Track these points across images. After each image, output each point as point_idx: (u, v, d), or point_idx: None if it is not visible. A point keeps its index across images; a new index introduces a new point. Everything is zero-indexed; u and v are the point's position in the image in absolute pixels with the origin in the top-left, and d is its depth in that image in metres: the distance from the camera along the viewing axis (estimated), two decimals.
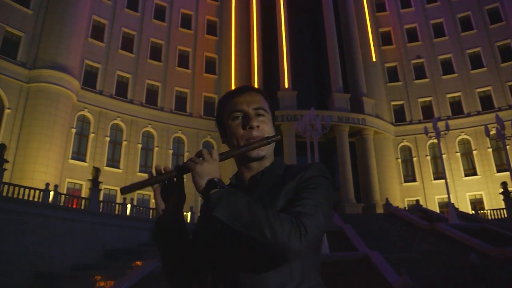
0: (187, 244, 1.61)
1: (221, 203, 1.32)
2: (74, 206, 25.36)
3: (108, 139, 34.92)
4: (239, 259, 1.45)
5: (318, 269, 1.54)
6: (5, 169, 22.85)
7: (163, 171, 1.52)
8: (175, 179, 1.54)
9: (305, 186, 1.49)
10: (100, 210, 25.94)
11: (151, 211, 29.19)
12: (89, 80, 35.26)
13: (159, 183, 1.53)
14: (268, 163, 1.66)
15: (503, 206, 32.25)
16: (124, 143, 35.90)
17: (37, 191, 23.05)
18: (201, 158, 1.44)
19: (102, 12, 37.76)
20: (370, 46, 44.06)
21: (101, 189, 27.90)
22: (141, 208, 29.11)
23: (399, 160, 41.82)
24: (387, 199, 33.33)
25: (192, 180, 1.41)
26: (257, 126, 1.61)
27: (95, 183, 26.97)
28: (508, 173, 23.90)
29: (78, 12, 33.79)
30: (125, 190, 1.49)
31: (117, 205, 27.70)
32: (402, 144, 42.14)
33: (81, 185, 31.74)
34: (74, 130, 32.96)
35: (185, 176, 1.54)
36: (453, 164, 39.49)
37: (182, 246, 1.60)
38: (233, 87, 39.56)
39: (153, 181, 1.50)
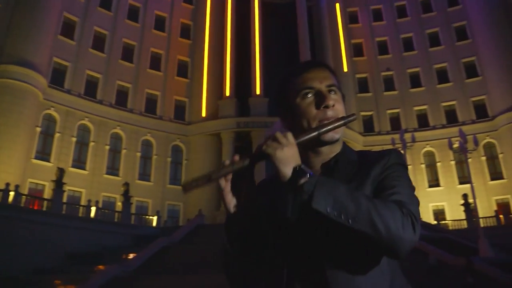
0: (261, 241, 1.41)
1: (319, 193, 1.16)
2: (36, 208, 24.68)
3: (74, 139, 34.11)
4: (330, 257, 1.28)
5: (400, 269, 1.43)
6: None
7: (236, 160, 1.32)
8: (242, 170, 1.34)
9: (390, 173, 1.35)
10: (63, 212, 25.33)
11: (116, 214, 28.69)
12: (57, 78, 34.40)
13: (229, 174, 1.33)
14: (338, 148, 1.48)
15: (464, 217, 33.26)
16: (92, 144, 35.15)
17: None
18: (277, 142, 1.24)
19: (73, 10, 36.99)
20: (342, 57, 44.84)
21: (65, 191, 27.21)
22: (106, 210, 28.59)
23: None
24: None
25: (275, 169, 1.22)
26: (333, 105, 1.42)
27: (59, 184, 26.31)
28: (469, 185, 24.67)
29: (48, 8, 33.01)
30: (189, 186, 1.28)
31: (81, 207, 27.11)
32: None
33: (44, 186, 30.84)
34: (39, 129, 32.04)
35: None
36: (418, 175, 40.46)
37: (253, 240, 1.41)
38: (204, 92, 39.56)
39: (223, 172, 1.31)
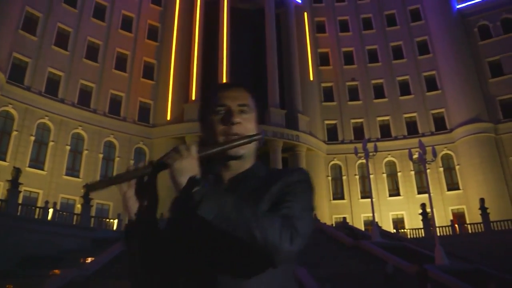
0: (159, 248, 1.48)
1: (207, 202, 1.24)
2: None
3: (33, 138, 32.93)
4: (219, 263, 1.36)
5: (293, 279, 1.49)
6: None
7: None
8: (145, 177, 1.43)
9: (290, 190, 1.43)
10: (18, 214, 24.37)
11: (75, 216, 27.84)
12: (16, 74, 33.14)
13: (131, 179, 1.41)
14: (249, 165, 1.58)
15: (421, 226, 34.22)
16: (51, 143, 34.03)
17: None
18: (179, 154, 1.34)
19: (36, 4, 35.83)
20: (308, 65, 45.47)
21: (21, 191, 26.19)
22: (64, 213, 27.70)
23: (329, 178, 43.18)
24: (315, 215, 34.16)
25: (171, 178, 1.31)
26: (239, 123, 1.53)
27: (14, 184, 25.29)
28: (427, 195, 25.44)
29: (9, 1, 31.90)
30: (91, 187, 1.34)
31: (37, 209, 26.17)
32: (333, 162, 43.58)
33: None
34: None
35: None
36: (379, 184, 41.40)
37: (154, 249, 1.47)
38: (170, 95, 39.17)
39: (124, 177, 1.37)
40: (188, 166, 1.32)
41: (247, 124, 1.56)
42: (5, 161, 30.70)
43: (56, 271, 18.34)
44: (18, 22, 33.75)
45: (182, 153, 1.34)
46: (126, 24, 42.19)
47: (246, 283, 1.34)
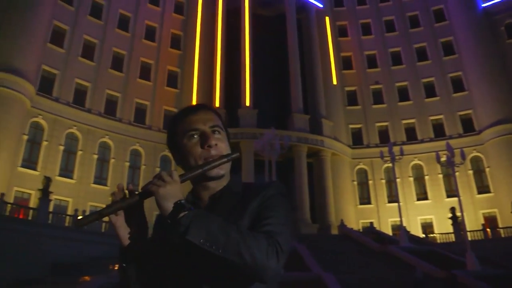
0: (152, 269, 1.54)
1: (194, 226, 1.28)
2: (21, 217, 24.27)
3: (62, 148, 33.74)
4: (205, 284, 1.40)
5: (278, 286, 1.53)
6: None
7: (127, 196, 1.45)
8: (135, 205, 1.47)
9: (268, 204, 1.48)
10: (49, 222, 24.94)
11: (104, 224, 28.29)
12: (45, 86, 34.10)
13: (118, 211, 1.45)
14: (225, 182, 1.63)
15: (451, 231, 33.45)
16: (79, 153, 34.79)
17: None
18: (161, 180, 1.38)
19: (63, 18, 36.85)
20: (331, 70, 45.24)
21: (51, 200, 26.81)
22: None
23: (355, 183, 42.71)
24: (342, 220, 33.86)
25: (157, 204, 1.35)
26: (215, 144, 1.58)
27: (45, 193, 25.92)
28: (456, 198, 24.86)
29: (38, 15, 32.85)
30: (80, 222, 1.41)
31: (67, 217, 26.72)
32: (358, 166, 43.12)
33: (30, 194, 30.34)
34: (26, 137, 31.64)
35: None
36: (406, 188, 40.71)
37: (145, 272, 1.53)
38: (194, 102, 39.47)
39: (111, 209, 1.41)
40: (173, 192, 1.36)
41: (221, 144, 1.61)
42: (36, 170, 31.53)
43: (86, 277, 18.66)
44: (46, 36, 34.75)
45: (165, 179, 1.38)
46: (150, 33, 42.91)
47: None
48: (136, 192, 1.45)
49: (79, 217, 1.40)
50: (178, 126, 1.64)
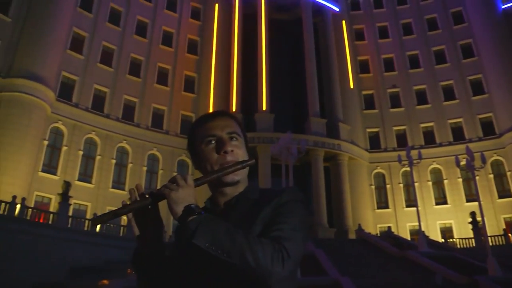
0: (166, 272, 1.55)
1: (201, 230, 1.30)
2: (42, 221, 24.65)
3: (81, 153, 34.25)
4: (217, 287, 1.41)
5: None
6: None
7: (138, 198, 1.48)
8: (149, 206, 1.50)
9: (281, 211, 1.48)
10: (69, 226, 25.29)
11: (121, 228, 28.59)
12: (65, 92, 34.72)
13: (132, 211, 1.49)
14: (242, 188, 1.64)
15: (472, 236, 32.86)
16: (98, 157, 35.26)
17: (3, 204, 22.34)
18: (175, 184, 1.41)
19: (82, 25, 37.51)
20: (348, 73, 45.02)
21: (70, 204, 27.22)
22: (111, 225, 28.49)
23: (373, 187, 42.34)
24: (359, 224, 33.57)
25: (168, 207, 1.38)
26: (231, 151, 1.60)
27: (65, 197, 26.33)
28: (476, 203, 24.42)
29: (58, 23, 33.48)
30: (96, 221, 1.45)
31: (86, 221, 27.05)
32: (376, 171, 42.75)
33: (50, 199, 30.85)
34: (46, 142, 32.22)
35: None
36: (425, 192, 40.18)
37: (161, 274, 1.55)
38: (211, 107, 39.74)
39: (126, 210, 1.45)
40: (184, 196, 1.39)
41: (238, 150, 1.63)
42: (56, 175, 32.05)
43: (105, 281, 18.85)
44: (66, 42, 35.40)
45: (179, 183, 1.41)
46: (167, 39, 43.34)
47: None
48: (147, 195, 1.47)
49: (95, 217, 1.45)
50: (197, 132, 1.68)
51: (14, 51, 31.43)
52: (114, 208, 1.48)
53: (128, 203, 1.47)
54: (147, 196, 1.47)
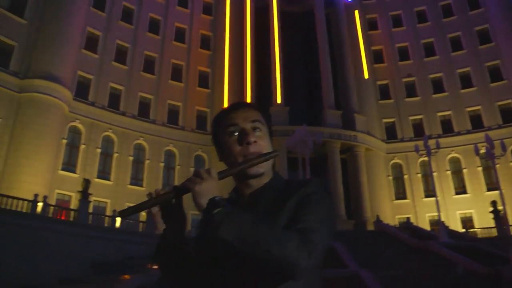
0: (189, 266, 1.57)
1: (226, 223, 1.30)
2: (63, 218, 25.10)
3: (99, 150, 34.68)
4: (242, 279, 1.42)
5: (321, 285, 1.53)
6: None
7: (161, 193, 1.48)
8: (173, 200, 1.51)
9: (306, 202, 1.47)
10: (89, 222, 25.68)
11: (141, 224, 28.93)
12: (81, 91, 35.12)
13: (157, 205, 1.50)
14: (267, 179, 1.63)
15: (493, 225, 32.38)
16: (115, 155, 35.67)
17: (26, 202, 22.80)
18: (199, 178, 1.41)
19: (96, 24, 37.84)
20: (362, 64, 44.58)
21: (90, 201, 27.61)
22: (131, 221, 28.84)
23: (390, 178, 41.99)
24: (378, 216, 33.39)
25: (193, 200, 1.38)
26: (254, 142, 1.58)
27: (84, 194, 26.71)
28: (497, 192, 24.06)
29: (72, 23, 33.82)
30: (123, 214, 1.49)
31: (106, 218, 27.44)
32: (393, 161, 42.38)
33: (71, 196, 31.36)
34: (65, 141, 32.70)
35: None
36: (444, 182, 39.70)
37: (184, 267, 1.56)
38: (225, 102, 39.81)
39: (151, 203, 1.47)
40: (209, 189, 1.38)
41: (261, 142, 1.61)
42: (75, 173, 32.55)
43: (126, 276, 19.13)
44: (80, 42, 35.76)
45: (202, 176, 1.40)
46: (179, 35, 43.46)
47: None
48: (171, 189, 1.48)
49: (122, 210, 1.50)
50: (220, 124, 1.67)
51: (31, 52, 31.87)
52: (133, 204, 1.50)
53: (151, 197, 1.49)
54: (171, 190, 1.48)
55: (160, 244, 1.58)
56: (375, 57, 47.16)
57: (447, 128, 42.13)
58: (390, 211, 39.73)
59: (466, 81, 43.19)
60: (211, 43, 44.90)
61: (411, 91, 44.91)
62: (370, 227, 33.93)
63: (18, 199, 22.60)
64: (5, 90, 29.74)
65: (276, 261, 1.26)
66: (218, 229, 1.29)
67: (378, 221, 31.37)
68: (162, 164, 37.79)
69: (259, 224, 1.31)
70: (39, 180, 28.35)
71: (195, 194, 1.37)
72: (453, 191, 39.72)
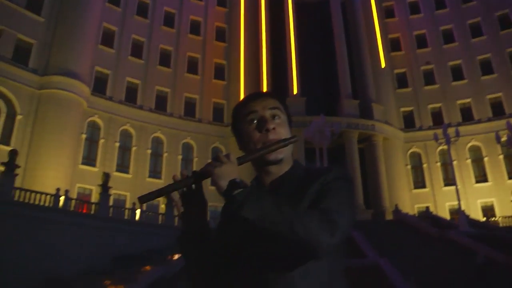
0: (212, 251, 1.58)
1: (248, 202, 1.30)
2: (84, 211, 25.54)
3: (117, 144, 35.13)
4: (266, 263, 1.43)
5: (343, 273, 1.54)
6: (17, 174, 23.08)
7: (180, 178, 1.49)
8: (193, 186, 1.53)
9: (327, 188, 1.48)
10: (110, 215, 26.07)
11: (160, 216, 29.28)
12: (99, 86, 35.56)
13: (177, 190, 1.51)
14: (287, 167, 1.64)
15: None
16: (134, 148, 36.09)
17: (48, 196, 23.26)
18: (218, 162, 1.42)
19: (112, 19, 38.15)
20: (379, 52, 44.02)
21: (110, 194, 28.02)
22: (150, 213, 29.21)
23: (409, 167, 41.57)
24: (396, 205, 33.14)
25: (213, 183, 1.38)
26: (273, 128, 1.59)
27: (104, 188, 27.10)
28: None
29: (88, 19, 34.16)
30: (143, 199, 1.47)
31: (126, 210, 27.83)
32: (411, 150, 41.92)
33: (91, 190, 31.90)
34: (84, 136, 33.22)
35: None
36: (464, 171, 39.14)
37: (207, 253, 1.58)
38: (242, 93, 39.83)
39: (170, 188, 1.47)
40: (228, 171, 1.39)
41: (280, 129, 1.62)
42: (95, 167, 33.08)
43: (147, 268, 19.44)
44: (97, 38, 36.14)
45: (222, 160, 1.42)
46: (194, 28, 43.54)
47: (293, 278, 1.40)
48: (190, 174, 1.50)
49: (142, 196, 1.49)
50: (239, 112, 1.68)
51: (49, 49, 32.34)
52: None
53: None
54: (190, 175, 1.49)
55: (183, 231, 1.59)
56: (392, 45, 46.51)
57: (467, 116, 41.43)
58: (408, 201, 39.40)
59: (486, 67, 42.30)
60: (226, 35, 44.88)
61: (429, 79, 44.23)
62: (389, 216, 33.72)
63: (41, 193, 23.07)
64: (25, 87, 30.29)
65: (298, 240, 1.27)
66: (241, 209, 1.30)
67: (397, 211, 31.15)
68: (180, 157, 38.10)
69: (281, 204, 1.31)
70: (60, 175, 28.91)
71: (215, 176, 1.39)
72: (473, 180, 39.15)
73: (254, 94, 1.72)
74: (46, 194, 23.28)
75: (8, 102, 29.53)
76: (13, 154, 23.23)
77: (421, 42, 45.75)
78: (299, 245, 1.29)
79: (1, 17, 30.16)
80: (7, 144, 28.21)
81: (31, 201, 22.24)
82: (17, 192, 22.16)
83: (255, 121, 1.62)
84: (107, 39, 37.57)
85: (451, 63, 43.84)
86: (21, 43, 31.35)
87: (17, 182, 23.84)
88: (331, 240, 1.29)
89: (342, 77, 40.35)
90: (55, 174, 28.48)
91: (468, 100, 41.94)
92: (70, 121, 30.92)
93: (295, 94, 39.03)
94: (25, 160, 28.41)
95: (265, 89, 39.56)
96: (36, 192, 22.92)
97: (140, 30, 39.98)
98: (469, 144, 39.87)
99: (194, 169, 29.09)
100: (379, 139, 39.10)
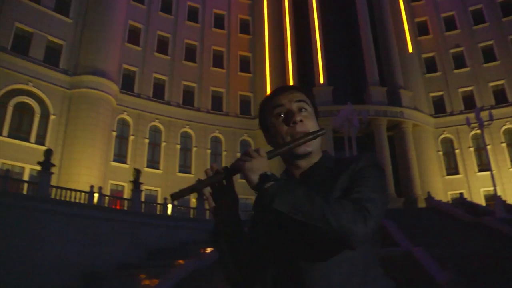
0: (245, 244, 1.61)
1: (280, 195, 1.31)
2: (117, 207, 26.13)
3: (147, 140, 35.72)
4: (300, 252, 1.44)
5: (378, 261, 1.55)
6: (53, 173, 23.78)
7: (211, 173, 1.51)
8: (224, 181, 1.55)
9: (358, 176, 1.48)
10: (142, 211, 26.58)
11: (191, 210, 29.66)
12: (127, 83, 36.17)
13: (208, 186, 1.53)
14: (316, 159, 1.65)
15: None
16: (163, 144, 36.62)
17: (83, 193, 23.90)
18: (249, 156, 1.44)
19: (137, 17, 38.64)
20: (405, 37, 43.04)
21: (142, 190, 28.55)
22: (181, 207, 29.62)
23: (440, 153, 40.67)
24: (429, 192, 32.53)
25: (244, 177, 1.40)
26: (301, 121, 1.60)
27: (136, 184, 27.61)
28: None
29: (115, 18, 34.71)
30: (175, 196, 1.49)
31: (158, 205, 28.30)
32: (443, 136, 40.97)
33: (123, 186, 32.62)
34: (114, 133, 33.92)
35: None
36: (499, 155, 38.01)
37: (241, 246, 1.60)
38: (268, 85, 39.76)
39: (202, 185, 1.49)
40: (259, 165, 1.41)
41: (308, 121, 1.62)
42: (126, 163, 33.75)
43: (180, 261, 19.74)
44: (123, 36, 36.72)
45: (252, 155, 1.44)
46: (218, 21, 43.63)
47: (328, 267, 1.42)
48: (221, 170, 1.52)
49: (174, 192, 1.51)
50: (266, 107, 1.70)
51: (78, 49, 33.08)
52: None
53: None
54: (221, 171, 1.51)
55: (215, 225, 1.61)
56: (419, 29, 45.38)
57: (501, 98, 40.11)
58: (441, 187, 38.61)
59: None
60: (250, 27, 44.80)
61: (459, 62, 42.99)
62: (421, 204, 33.15)
63: (76, 190, 23.74)
64: (57, 88, 31.14)
65: (332, 230, 1.28)
66: (273, 202, 1.31)
67: (430, 198, 30.57)
68: (209, 151, 38.43)
69: (313, 195, 1.32)
70: (94, 172, 29.67)
71: (246, 170, 1.40)
72: (509, 164, 37.97)
73: (280, 88, 1.73)
74: (81, 191, 23.93)
75: (41, 103, 30.42)
76: (48, 153, 23.93)
77: (450, 24, 44.45)
78: (333, 235, 1.29)
79: (32, 20, 31.04)
80: (42, 144, 29.12)
81: (67, 199, 22.92)
82: (54, 190, 22.88)
83: (282, 115, 1.63)
84: (133, 36, 38.11)
85: (481, 44, 42.46)
86: (52, 44, 32.17)
87: (53, 181, 24.61)
88: (364, 229, 1.29)
89: (368, 64, 39.71)
90: (88, 171, 29.27)
91: (501, 81, 40.59)
92: (101, 119, 31.62)
93: (322, 84, 38.68)
94: (60, 159, 29.27)
95: (291, 80, 39.41)
96: (71, 190, 23.60)
97: (165, 26, 40.35)
98: (504, 127, 38.65)
99: (223, 162, 29.33)
100: (408, 126, 38.37)
